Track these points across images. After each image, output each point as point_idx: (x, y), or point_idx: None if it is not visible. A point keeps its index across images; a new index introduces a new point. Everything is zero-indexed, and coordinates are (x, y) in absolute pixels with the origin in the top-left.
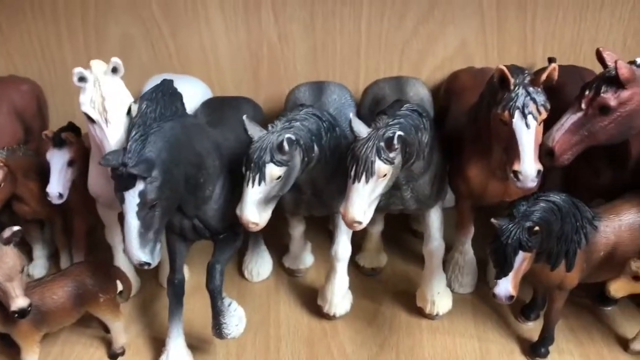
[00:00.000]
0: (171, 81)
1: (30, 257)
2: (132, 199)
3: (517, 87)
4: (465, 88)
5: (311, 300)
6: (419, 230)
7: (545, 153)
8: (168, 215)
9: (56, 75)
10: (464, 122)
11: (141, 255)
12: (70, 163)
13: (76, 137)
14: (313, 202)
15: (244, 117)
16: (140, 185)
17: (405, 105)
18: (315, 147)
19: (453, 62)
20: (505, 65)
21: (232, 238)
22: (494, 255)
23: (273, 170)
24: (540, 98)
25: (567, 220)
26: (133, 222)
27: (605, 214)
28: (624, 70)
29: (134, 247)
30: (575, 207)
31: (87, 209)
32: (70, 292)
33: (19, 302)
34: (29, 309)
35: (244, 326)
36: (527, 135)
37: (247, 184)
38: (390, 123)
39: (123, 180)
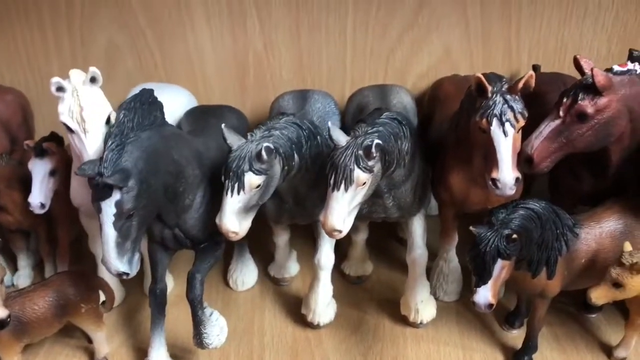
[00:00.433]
0: (151, 90)
1: (14, 267)
2: (108, 209)
3: (494, 95)
4: (448, 96)
5: (296, 309)
6: (404, 238)
7: (524, 160)
8: (146, 225)
9: (42, 85)
10: (446, 130)
11: (119, 265)
12: (52, 173)
13: (58, 147)
14: (296, 210)
15: (223, 126)
16: (116, 195)
17: (384, 114)
18: (296, 156)
19: (438, 70)
20: (484, 74)
21: (213, 247)
22: (472, 263)
23: (252, 179)
24: (518, 106)
25: (547, 227)
26: (110, 232)
27: (586, 221)
28: (600, 78)
29: (111, 257)
30: (555, 214)
31: (71, 218)
32: (51, 303)
33: None
34: (9, 319)
35: (226, 336)
36: (505, 143)
37: (227, 193)
38: (369, 131)
39: (99, 190)
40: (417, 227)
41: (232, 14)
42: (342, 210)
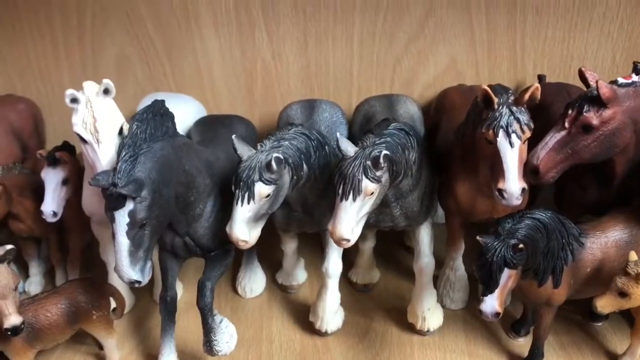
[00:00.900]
0: (162, 101)
1: (26, 274)
2: (121, 218)
3: (501, 107)
4: (454, 106)
5: (304, 316)
6: (411, 246)
7: (530, 171)
8: (158, 234)
9: (53, 94)
10: (452, 140)
11: (132, 273)
12: (65, 182)
13: (70, 156)
14: (304, 219)
15: (234, 136)
16: (130, 205)
17: (392, 124)
18: (304, 166)
19: (444, 79)
20: (490, 85)
21: (223, 255)
22: (479, 272)
23: (262, 189)
24: (524, 117)
25: (553, 237)
26: (123, 241)
27: (591, 230)
28: (605, 90)
29: (124, 265)
30: (561, 224)
31: (82, 226)
32: (63, 310)
33: (12, 319)
34: (22, 326)
35: (235, 343)
36: (511, 153)
37: (237, 203)
38: (377, 142)
39: (113, 200)
40: (424, 236)
41: (241, 24)
42: (350, 219)
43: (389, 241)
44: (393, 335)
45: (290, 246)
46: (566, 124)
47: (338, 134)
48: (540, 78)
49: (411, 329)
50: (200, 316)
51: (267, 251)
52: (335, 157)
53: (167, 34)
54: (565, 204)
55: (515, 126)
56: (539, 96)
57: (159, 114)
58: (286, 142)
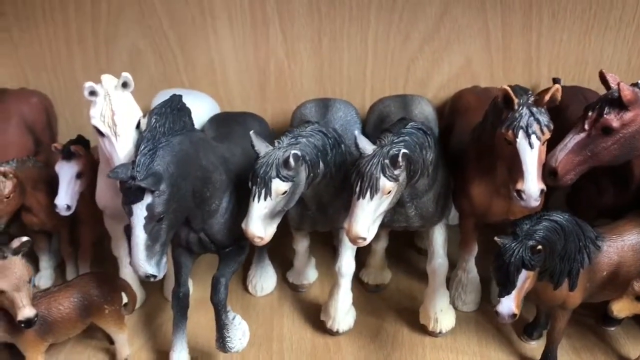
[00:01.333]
0: (180, 96)
1: (36, 267)
2: (139, 211)
3: (521, 107)
4: (469, 107)
5: (315, 315)
6: (422, 248)
7: (548, 173)
8: (174, 228)
9: (66, 87)
10: (468, 141)
11: (147, 267)
12: (79, 175)
13: (85, 150)
14: (318, 217)
15: (251, 132)
16: (148, 199)
17: (410, 124)
18: (321, 163)
19: (458, 80)
20: (510, 86)
21: (237, 252)
22: (497, 273)
23: (279, 186)
24: (544, 118)
25: (571, 239)
26: (140, 235)
27: (608, 234)
28: (626, 92)
29: (140, 259)
30: (578, 226)
31: (95, 220)
32: (76, 303)
33: (26, 312)
34: (36, 319)
35: (248, 340)
36: (531, 155)
37: (253, 199)
38: (395, 141)
39: (131, 194)
40: (438, 237)
41: (255, 22)
42: (367, 218)
43: (399, 242)
44: (405, 336)
45: (302, 245)
46: (586, 126)
47: (356, 131)
48: (556, 81)
49: (423, 330)
50: (214, 312)
51: (278, 249)
52: (351, 156)
53: (181, 27)
54: (581, 207)
55: (535, 127)
56: (559, 97)
57: (177, 108)
58: (304, 139)
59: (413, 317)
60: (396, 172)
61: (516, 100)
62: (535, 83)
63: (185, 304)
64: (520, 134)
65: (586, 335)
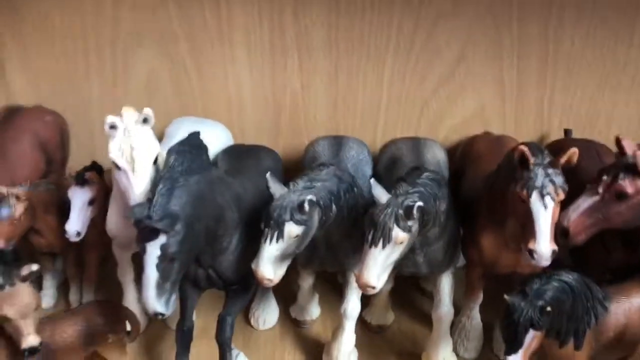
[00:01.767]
0: (198, 133)
1: (39, 287)
2: (153, 250)
3: (536, 167)
4: (481, 154)
5: (316, 352)
6: (427, 289)
7: (560, 232)
8: (186, 267)
9: (80, 108)
10: (479, 190)
11: (157, 306)
12: (91, 202)
13: (99, 177)
14: (327, 257)
15: (268, 174)
16: (162, 239)
17: (424, 174)
18: (334, 207)
19: (470, 125)
20: (525, 143)
21: (244, 290)
22: (505, 332)
23: (292, 229)
24: (559, 180)
25: (579, 300)
26: (152, 274)
27: (615, 295)
28: None
29: (150, 297)
30: (587, 287)
31: (103, 246)
32: (80, 331)
33: (30, 340)
34: (40, 347)
35: None
36: (545, 215)
37: (265, 241)
38: (411, 191)
39: (147, 233)
40: (446, 285)
41: (274, 52)
42: (377, 267)
43: (405, 283)
44: None
45: (307, 282)
46: (600, 190)
47: (372, 180)
48: (567, 132)
49: None
50: (219, 350)
51: (282, 282)
52: (363, 199)
53: (199, 54)
54: (589, 265)
55: (550, 188)
56: (575, 160)
57: (196, 146)
58: (319, 184)
59: None
60: (409, 223)
61: (532, 160)
62: (545, 133)
63: (189, 339)
64: (535, 194)
65: None
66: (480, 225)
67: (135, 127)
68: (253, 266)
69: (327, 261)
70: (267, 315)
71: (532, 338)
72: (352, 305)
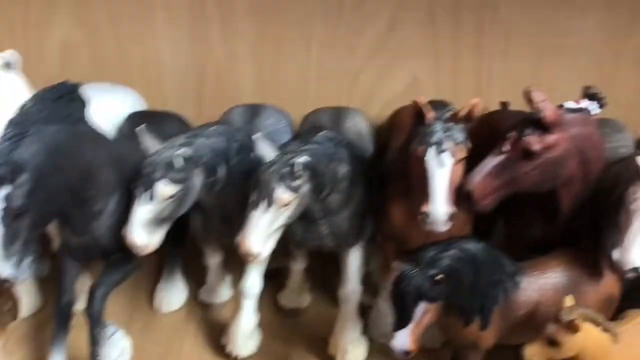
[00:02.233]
0: (75, 85)
1: None
2: None
3: (434, 123)
4: (405, 125)
5: (220, 337)
6: None
7: (462, 196)
8: (40, 227)
9: None
10: (391, 160)
11: (4, 267)
12: None
13: None
14: (223, 229)
15: (139, 128)
16: (6, 189)
17: (322, 132)
18: (224, 167)
19: (404, 98)
20: (430, 101)
21: (123, 261)
22: (392, 302)
23: (165, 189)
24: (460, 135)
25: (483, 272)
26: None
27: (529, 269)
28: (549, 113)
29: None
30: (494, 258)
31: None
32: None
33: None
34: None
35: (128, 359)
36: (440, 173)
37: (136, 202)
38: (300, 149)
39: None
40: (353, 260)
41: (195, 20)
42: (260, 231)
43: (329, 265)
44: None
45: (213, 260)
46: (505, 148)
47: (258, 134)
48: (503, 105)
49: None
50: (87, 325)
51: (199, 264)
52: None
53: (117, 21)
54: (509, 241)
55: (448, 144)
56: (476, 114)
57: (67, 96)
58: (200, 139)
59: (325, 347)
60: (296, 182)
61: (428, 115)
62: (485, 105)
63: (67, 315)
64: (430, 151)
65: None
66: (389, 195)
67: None
68: (123, 232)
69: (224, 233)
70: (172, 296)
71: (423, 312)
72: (251, 282)
